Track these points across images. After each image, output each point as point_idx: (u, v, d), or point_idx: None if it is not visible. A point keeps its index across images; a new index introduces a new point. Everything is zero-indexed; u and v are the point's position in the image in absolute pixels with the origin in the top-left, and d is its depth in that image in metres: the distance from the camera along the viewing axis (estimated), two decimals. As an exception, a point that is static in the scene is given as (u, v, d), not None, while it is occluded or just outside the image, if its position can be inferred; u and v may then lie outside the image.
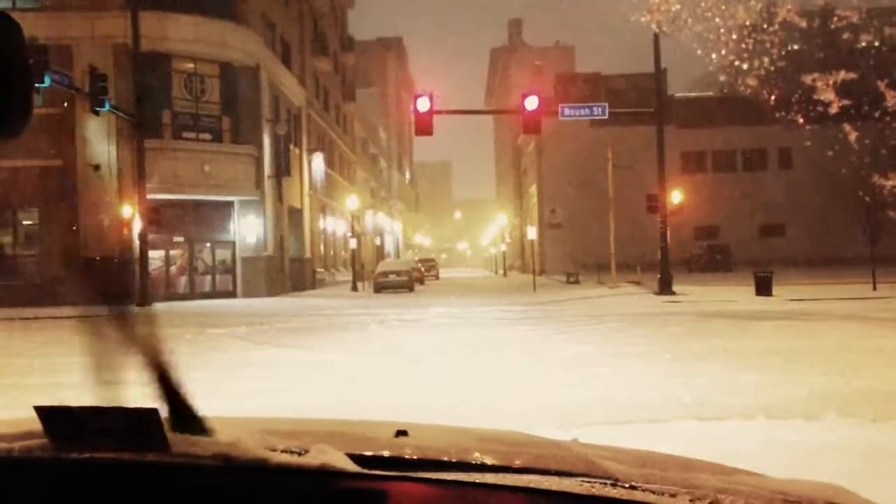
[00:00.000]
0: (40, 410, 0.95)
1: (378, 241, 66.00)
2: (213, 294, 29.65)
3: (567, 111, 25.52)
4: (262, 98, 31.44)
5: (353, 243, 39.93)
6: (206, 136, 29.60)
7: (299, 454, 1.02)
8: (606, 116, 25.72)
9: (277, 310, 23.29)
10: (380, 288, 36.45)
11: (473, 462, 1.06)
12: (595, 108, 25.71)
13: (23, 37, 0.72)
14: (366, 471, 0.98)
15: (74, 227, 26.91)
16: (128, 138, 26.94)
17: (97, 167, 26.94)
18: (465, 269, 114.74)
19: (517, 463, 1.08)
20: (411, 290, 37.21)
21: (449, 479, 0.98)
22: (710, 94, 55.13)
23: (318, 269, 42.46)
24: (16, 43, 0.70)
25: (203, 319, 19.22)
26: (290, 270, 35.12)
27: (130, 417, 0.93)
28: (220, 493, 0.95)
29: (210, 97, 29.63)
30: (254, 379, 9.55)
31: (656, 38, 25.42)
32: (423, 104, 23.40)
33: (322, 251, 45.80)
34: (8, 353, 13.26)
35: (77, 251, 27.00)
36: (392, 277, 37.31)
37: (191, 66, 29.08)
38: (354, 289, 36.71)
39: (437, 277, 58.38)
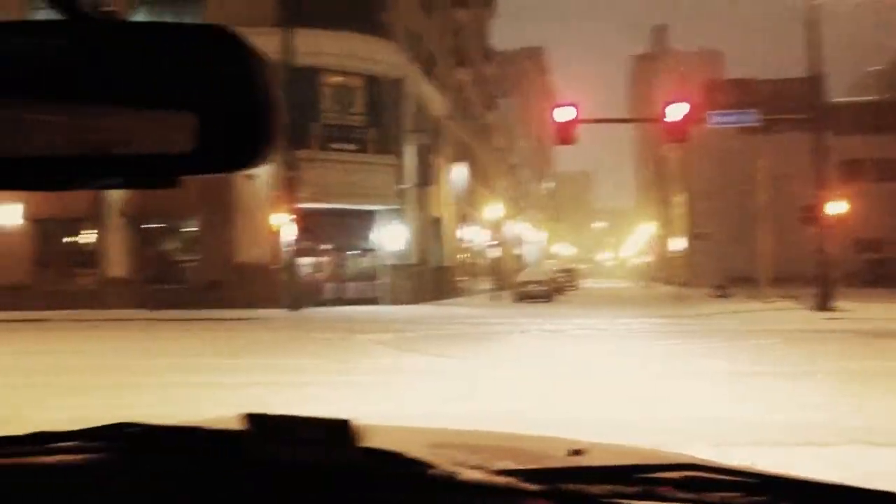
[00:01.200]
0: (247, 416, 0.99)
1: (518, 251, 66.01)
2: (358, 301, 30.50)
3: (715, 119, 24.69)
4: (405, 109, 32.16)
5: (493, 252, 40.03)
6: (352, 146, 30.54)
7: (483, 470, 1.00)
8: (758, 124, 24.69)
9: (420, 317, 23.69)
10: (520, 297, 36.42)
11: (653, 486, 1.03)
12: (745, 115, 24.74)
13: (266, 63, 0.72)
14: (547, 488, 0.97)
15: (230, 236, 28.42)
16: (280, 149, 28.13)
17: (252, 177, 28.29)
18: (605, 279, 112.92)
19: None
20: (551, 299, 36.97)
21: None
22: (872, 98, 51.87)
23: (459, 278, 42.88)
24: (259, 68, 0.71)
25: (349, 325, 19.80)
26: (431, 278, 35.63)
27: (325, 427, 0.96)
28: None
29: (356, 109, 30.61)
30: (403, 386, 9.74)
31: (812, 37, 24.18)
32: (563, 114, 23.22)
33: (463, 260, 46.24)
34: (196, 354, 14.08)
35: (233, 258, 28.50)
36: (532, 287, 37.20)
37: (339, 79, 30.14)
38: (495, 298, 36.81)
39: (577, 288, 57.74)
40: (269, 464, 0.96)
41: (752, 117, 24.63)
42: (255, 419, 0.98)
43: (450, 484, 0.96)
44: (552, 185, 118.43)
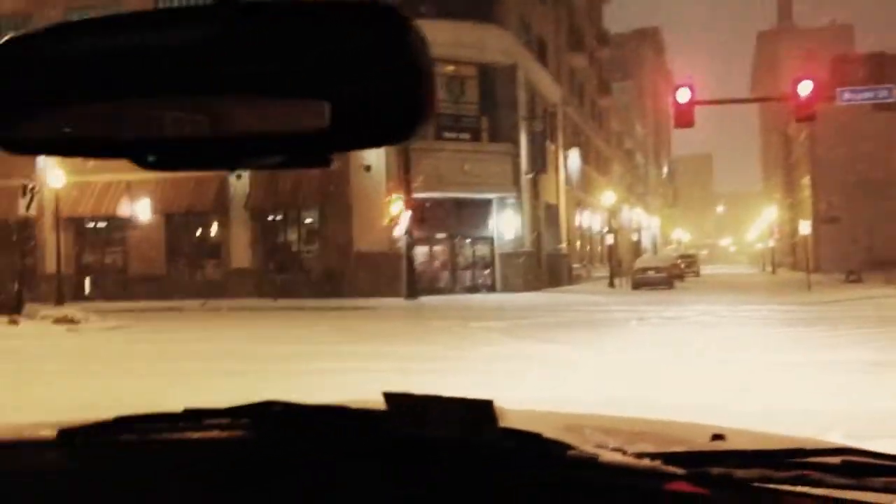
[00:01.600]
0: (386, 395, 1.01)
1: (635, 237, 64.73)
2: (473, 288, 30.64)
3: (846, 95, 23.37)
4: (518, 97, 31.98)
5: (609, 239, 39.45)
6: (466, 135, 30.65)
7: (623, 453, 1.01)
8: (893, 100, 23.22)
9: (535, 305, 23.58)
10: (638, 284, 35.73)
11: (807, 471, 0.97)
12: (880, 91, 23.31)
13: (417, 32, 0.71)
14: (692, 471, 0.95)
15: (349, 226, 29.07)
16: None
17: (368, 168, 28.81)
18: (728, 265, 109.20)
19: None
20: (670, 286, 36.08)
21: (779, 488, 0.92)
22: None
23: (575, 265, 42.43)
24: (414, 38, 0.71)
25: (465, 313, 19.91)
26: (546, 266, 35.41)
27: (467, 407, 0.97)
28: (550, 488, 0.96)
29: (469, 98, 30.67)
30: (518, 372, 9.72)
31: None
32: (682, 95, 22.51)
33: (578, 247, 45.71)
34: (319, 342, 14.52)
35: (352, 247, 29.16)
36: (650, 274, 36.43)
37: (451, 68, 30.25)
38: (611, 285, 36.26)
39: (697, 274, 56.12)
40: (412, 442, 0.98)
41: (886, 93, 23.19)
42: (395, 399, 1.00)
43: (592, 465, 0.96)
44: (669, 169, 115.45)
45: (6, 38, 0.72)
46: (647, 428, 1.43)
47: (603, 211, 46.05)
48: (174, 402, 1.23)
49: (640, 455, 0.99)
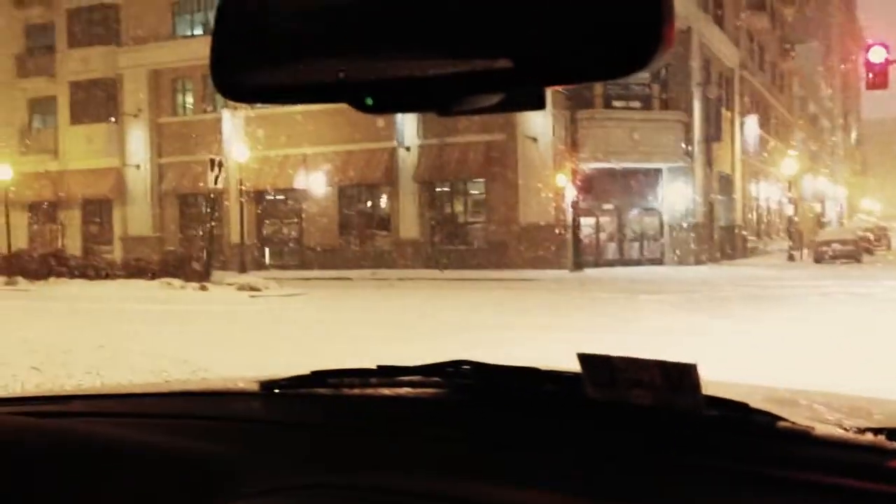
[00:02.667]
0: (581, 357, 0.98)
1: (818, 208, 60.75)
2: (641, 261, 29.87)
3: None
4: (692, 62, 30.60)
5: (789, 210, 37.26)
6: (636, 104, 29.78)
7: (840, 427, 0.95)
8: None
9: (707, 278, 22.65)
10: (820, 258, 33.51)
11: None
12: None
13: None
14: None
15: (515, 197, 29.05)
16: (562, 110, 28.15)
17: (535, 139, 28.61)
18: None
19: None
20: (858, 260, 33.59)
21: None
22: None
23: (750, 238, 40.42)
24: None
25: (633, 286, 19.43)
26: (719, 238, 33.95)
27: (667, 371, 0.93)
28: (755, 460, 0.90)
29: (639, 65, 29.68)
30: (696, 349, 9.34)
31: None
32: (876, 54, 20.73)
33: (754, 218, 43.48)
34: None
35: (517, 219, 29.13)
36: (835, 247, 34.05)
37: (621, 34, 29.35)
38: (791, 258, 34.27)
39: (889, 248, 52.03)
40: (609, 405, 0.97)
41: None
42: (590, 360, 0.98)
43: (805, 438, 0.92)
44: (858, 135, 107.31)
45: None
46: (857, 403, 1.34)
47: (783, 180, 43.50)
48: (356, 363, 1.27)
49: (859, 430, 0.93)
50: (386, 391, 1.19)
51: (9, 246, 31.29)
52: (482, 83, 0.68)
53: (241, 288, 19.98)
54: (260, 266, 30.67)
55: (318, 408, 1.18)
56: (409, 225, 30.92)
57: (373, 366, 1.22)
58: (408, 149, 30.05)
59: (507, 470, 0.93)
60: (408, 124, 29.06)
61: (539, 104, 0.73)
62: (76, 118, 36.09)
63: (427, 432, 1.05)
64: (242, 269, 26.70)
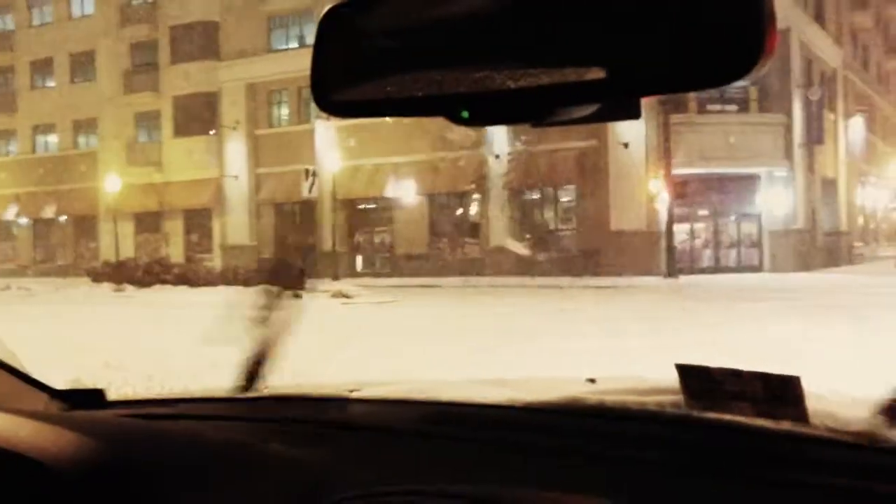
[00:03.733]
0: (680, 367, 0.96)
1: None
2: (738, 268, 29.00)
3: None
4: (792, 63, 29.57)
5: (898, 215, 35.53)
6: (732, 107, 28.98)
7: None
8: None
9: (809, 286, 21.79)
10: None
11: None
12: None
13: None
14: None
15: (606, 203, 28.68)
16: (655, 115, 27.65)
17: (626, 144, 28.19)
18: None
19: None
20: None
21: None
22: None
23: (856, 244, 38.75)
24: None
25: (731, 293, 18.87)
26: (822, 245, 32.66)
27: (769, 383, 0.91)
28: (868, 474, 0.85)
29: (736, 67, 28.87)
30: (809, 359, 8.98)
31: None
32: None
33: (861, 224, 41.69)
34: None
35: (608, 225, 28.74)
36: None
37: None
38: (900, 266, 32.67)
39: None
40: (709, 417, 0.95)
41: None
42: (690, 371, 0.95)
43: None
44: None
45: (329, 7, 0.76)
46: None
47: (891, 184, 41.58)
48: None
49: None
50: (477, 399, 1.19)
51: (117, 254, 32.76)
52: (577, 94, 0.68)
53: (335, 295, 20.33)
54: (352, 273, 31.16)
55: (406, 414, 1.18)
56: (500, 232, 30.88)
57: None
58: (497, 157, 30.05)
59: (605, 482, 0.91)
60: (498, 132, 29.04)
61: (634, 114, 0.72)
62: (179, 131, 37.54)
63: (522, 441, 1.03)
64: (335, 277, 27.17)
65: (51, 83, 41.90)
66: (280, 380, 1.53)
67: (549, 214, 31.46)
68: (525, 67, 0.68)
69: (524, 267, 28.80)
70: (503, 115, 0.74)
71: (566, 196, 30.80)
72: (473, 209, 32.06)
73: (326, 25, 0.77)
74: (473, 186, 30.82)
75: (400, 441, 1.10)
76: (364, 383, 1.29)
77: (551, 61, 0.67)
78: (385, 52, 0.74)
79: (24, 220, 41.83)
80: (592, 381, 1.24)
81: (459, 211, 32.53)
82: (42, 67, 41.95)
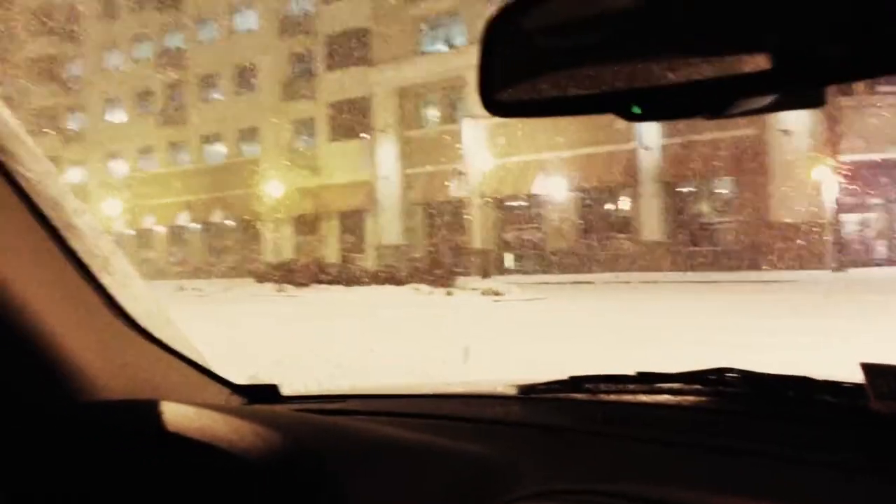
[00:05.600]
0: (865, 367, 0.91)
1: None
2: (917, 261, 26.90)
3: None
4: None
5: None
6: (907, 87, 26.91)
7: None
8: None
9: None
10: None
11: None
12: None
13: None
14: None
15: (766, 195, 27.33)
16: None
17: (787, 132, 26.76)
18: None
19: None
20: None
21: None
22: None
23: None
24: None
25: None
26: None
27: None
28: None
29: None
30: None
31: None
32: None
33: None
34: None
35: (768, 217, 27.39)
36: None
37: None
38: None
39: None
40: (889, 413, 0.90)
41: None
42: (877, 370, 0.90)
43: None
44: None
45: (496, 9, 0.76)
46: None
47: None
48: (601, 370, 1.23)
49: None
50: (644, 398, 1.16)
51: (278, 256, 34.38)
52: (756, 84, 0.64)
53: (485, 293, 20.47)
54: (501, 271, 31.27)
55: (576, 412, 1.17)
56: (652, 226, 30.08)
57: (630, 371, 1.18)
58: (649, 149, 29.30)
59: (783, 486, 0.85)
60: (649, 124, 28.32)
61: (817, 102, 0.68)
62: (333, 136, 38.97)
63: (693, 441, 0.99)
64: (485, 275, 27.34)
65: (217, 95, 44.54)
66: (441, 375, 1.53)
67: (704, 207, 30.35)
68: (700, 58, 0.65)
69: (678, 262, 27.92)
70: (677, 110, 0.72)
71: (722, 187, 29.62)
72: (624, 204, 31.41)
73: (493, 26, 0.76)
74: (624, 180, 30.19)
75: (570, 439, 1.07)
76: (526, 381, 1.27)
77: (727, 50, 0.64)
78: (552, 50, 0.73)
79: (194, 226, 44.67)
80: None
81: (610, 206, 31.96)
82: (209, 81, 44.65)
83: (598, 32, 0.70)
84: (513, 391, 1.25)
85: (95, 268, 1.02)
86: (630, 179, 30.10)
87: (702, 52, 0.65)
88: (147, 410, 1.00)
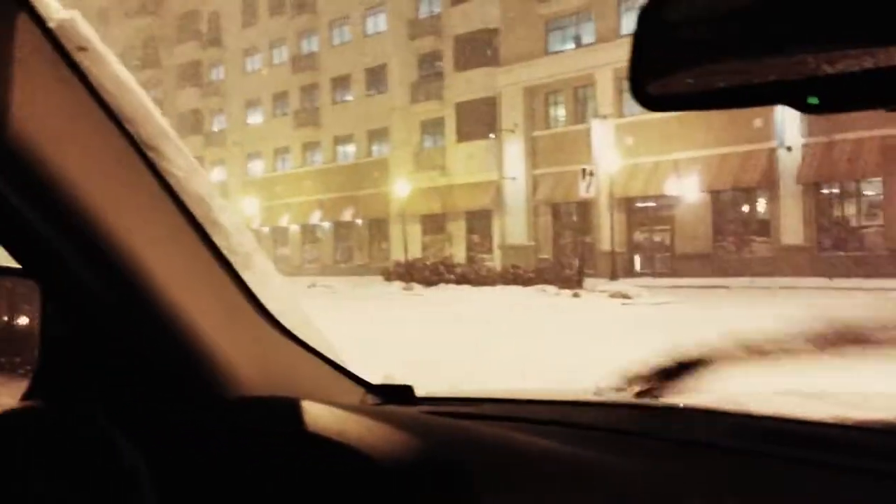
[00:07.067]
0: None
1: None
2: None
3: None
4: None
5: None
6: None
7: None
8: None
9: None
10: None
11: None
12: None
13: None
14: None
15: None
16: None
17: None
18: None
19: None
20: None
21: None
22: None
23: None
24: None
25: None
26: None
27: None
28: None
29: None
30: None
31: None
32: None
33: None
34: None
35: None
36: None
37: None
38: None
39: None
40: None
41: None
42: None
43: None
44: None
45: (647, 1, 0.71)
46: None
47: None
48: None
49: None
50: (797, 414, 1.08)
51: (406, 254, 35.00)
52: None
53: (613, 295, 20.12)
54: (630, 273, 30.65)
55: (736, 429, 1.08)
56: (792, 230, 28.72)
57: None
58: (789, 149, 27.98)
59: None
60: (788, 122, 27.07)
61: None
62: (461, 136, 39.31)
63: (857, 465, 0.89)
64: (613, 277, 26.87)
65: (348, 97, 45.81)
66: (575, 382, 1.48)
67: (849, 210, 28.71)
68: (885, 42, 0.60)
69: (821, 267, 26.53)
70: (861, 100, 0.65)
71: (871, 189, 27.93)
72: (762, 205, 30.15)
73: (648, 13, 0.72)
74: (762, 181, 28.97)
75: (734, 458, 0.99)
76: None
77: None
78: (715, 37, 0.67)
79: (326, 224, 46.10)
80: None
81: (746, 207, 30.74)
82: (341, 83, 45.98)
83: (768, 15, 0.64)
84: (659, 402, 1.19)
85: (237, 264, 1.03)
86: (768, 180, 28.85)
87: (878, 38, 0.59)
88: (285, 408, 1.01)
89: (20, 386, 1.09)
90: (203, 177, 1.01)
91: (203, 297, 1.00)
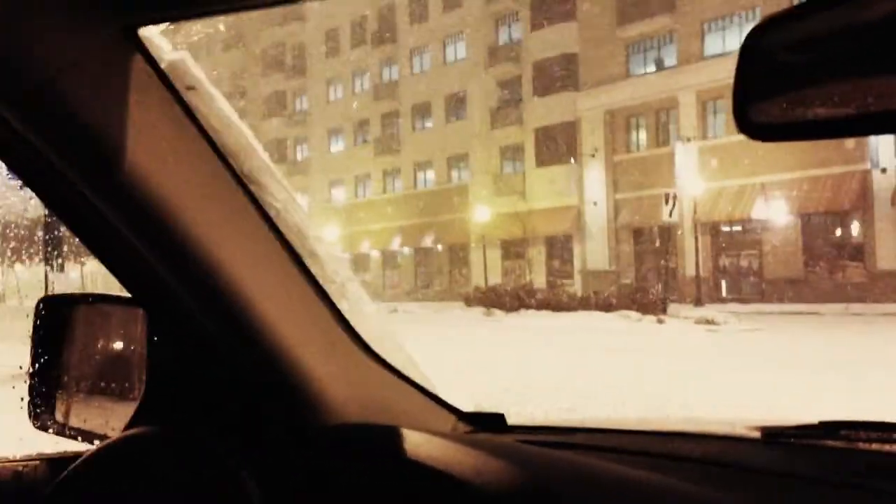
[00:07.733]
0: None
1: None
2: None
3: None
4: None
5: None
6: None
7: None
8: None
9: None
10: None
11: None
12: None
13: None
14: None
15: None
16: None
17: None
18: None
19: None
20: None
21: None
22: None
23: None
24: None
25: None
26: None
27: None
28: None
29: None
30: None
31: None
32: None
33: None
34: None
35: None
36: None
37: None
38: None
39: None
40: None
41: None
42: None
43: None
44: None
45: (751, 30, 0.70)
46: None
47: None
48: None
49: None
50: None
51: (486, 280, 34.95)
52: None
53: (698, 321, 19.62)
54: (716, 299, 29.86)
55: (829, 461, 1.05)
56: (890, 254, 27.52)
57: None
58: (884, 170, 26.91)
59: None
60: (883, 144, 26.05)
61: None
62: (540, 161, 39.19)
63: None
64: (698, 302, 26.24)
65: (429, 124, 46.27)
66: (662, 412, 1.44)
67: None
68: None
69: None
70: None
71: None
72: (855, 229, 29.01)
73: (752, 41, 0.70)
74: (855, 204, 27.91)
75: (827, 492, 0.96)
76: (769, 423, 1.17)
77: None
78: (824, 64, 0.66)
79: (406, 250, 46.49)
80: None
81: (838, 231, 29.63)
82: (421, 110, 46.51)
83: (877, 43, 0.62)
84: (755, 434, 1.16)
85: (333, 293, 1.05)
86: (861, 203, 27.77)
87: None
88: (382, 435, 1.02)
89: (127, 410, 1.13)
90: (300, 208, 1.04)
91: (301, 325, 1.02)
